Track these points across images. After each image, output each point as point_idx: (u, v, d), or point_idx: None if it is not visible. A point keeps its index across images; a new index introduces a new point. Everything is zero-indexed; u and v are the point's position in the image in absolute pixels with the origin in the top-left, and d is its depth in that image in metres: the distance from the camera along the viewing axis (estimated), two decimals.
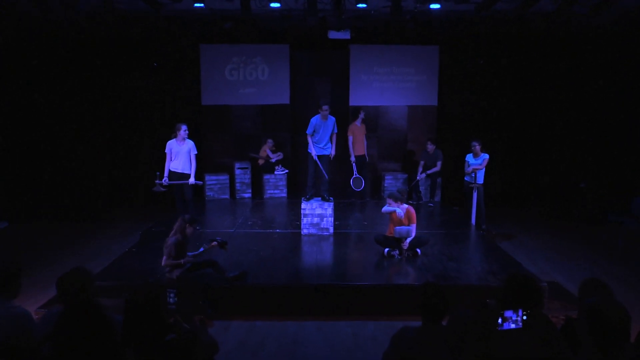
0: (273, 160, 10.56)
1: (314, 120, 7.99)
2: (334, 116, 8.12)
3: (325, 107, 7.95)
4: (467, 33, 10.45)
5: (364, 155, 10.17)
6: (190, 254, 5.57)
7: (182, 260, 5.46)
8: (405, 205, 6.75)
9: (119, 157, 11.12)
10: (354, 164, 9.88)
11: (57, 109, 10.65)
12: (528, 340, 2.89)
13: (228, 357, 4.75)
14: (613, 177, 10.69)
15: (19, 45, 10.19)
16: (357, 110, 10.47)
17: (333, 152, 8.19)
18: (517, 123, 11.18)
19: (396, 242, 6.73)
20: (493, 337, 2.91)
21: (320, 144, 8.05)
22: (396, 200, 6.71)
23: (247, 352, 4.87)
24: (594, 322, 2.58)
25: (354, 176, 9.75)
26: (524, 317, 2.91)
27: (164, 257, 5.46)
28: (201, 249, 5.65)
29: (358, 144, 10.06)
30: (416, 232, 6.83)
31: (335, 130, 8.11)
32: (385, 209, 6.75)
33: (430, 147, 10.02)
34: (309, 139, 8.03)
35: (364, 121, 10.23)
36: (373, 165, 11.09)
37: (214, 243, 5.69)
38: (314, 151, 7.99)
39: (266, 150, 10.63)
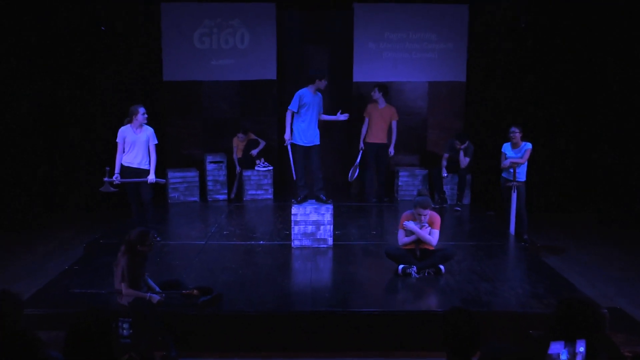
0: (254, 153, 10.52)
1: (302, 93, 7.98)
2: (332, 95, 8.13)
3: (324, 80, 8.00)
4: None
5: (384, 144, 10.22)
6: (157, 293, 5.60)
7: (147, 295, 5.51)
8: (428, 212, 6.76)
9: (56, 148, 11.06)
10: (360, 152, 10.10)
11: None
12: None
13: None
14: None
15: None
16: (365, 88, 10.50)
17: (339, 115, 8.26)
18: (569, 104, 11.17)
19: (414, 256, 6.73)
20: None
21: (308, 129, 8.00)
22: (426, 207, 6.65)
23: None
24: None
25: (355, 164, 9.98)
26: (581, 349, 2.91)
27: (119, 281, 5.49)
28: (175, 292, 5.76)
29: (376, 129, 10.21)
30: (439, 243, 6.83)
31: (322, 111, 8.19)
32: (411, 227, 6.72)
33: (459, 143, 10.02)
34: (288, 119, 8.00)
35: (386, 101, 10.36)
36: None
37: (195, 292, 5.78)
38: (290, 134, 7.97)
39: (241, 147, 10.61)
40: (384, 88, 10.34)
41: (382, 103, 10.26)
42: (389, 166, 10.64)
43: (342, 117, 8.31)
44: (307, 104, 7.95)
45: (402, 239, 6.80)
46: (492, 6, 10.95)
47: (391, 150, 10.33)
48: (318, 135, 8.14)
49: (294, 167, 8.12)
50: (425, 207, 6.64)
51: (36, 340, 2.70)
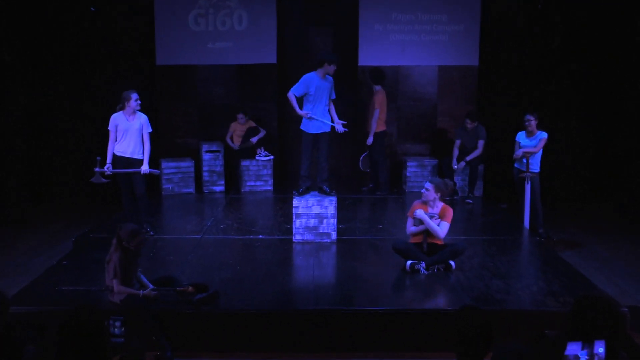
0: (254, 141, 10.51)
1: (310, 78, 7.86)
2: (336, 80, 8.09)
3: (334, 65, 7.85)
4: None
5: (375, 132, 10.23)
6: (150, 288, 5.63)
7: (140, 292, 5.54)
8: (441, 204, 6.77)
9: (43, 136, 11.08)
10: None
11: None
12: None
13: None
14: None
15: None
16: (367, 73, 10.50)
17: (340, 122, 8.00)
18: (587, 90, 11.13)
19: (422, 251, 6.74)
20: None
21: (314, 116, 7.93)
22: (438, 190, 6.70)
23: None
24: None
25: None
26: (600, 350, 2.91)
27: (110, 278, 5.52)
28: (169, 289, 5.76)
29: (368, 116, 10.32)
30: (449, 237, 6.84)
31: (333, 96, 8.08)
32: (420, 215, 6.72)
33: (470, 122, 10.01)
34: (293, 100, 7.84)
35: (382, 86, 10.34)
36: (390, 147, 11.09)
37: (190, 289, 5.77)
38: (301, 111, 7.86)
39: (239, 132, 10.59)
40: (374, 73, 10.32)
41: (375, 89, 10.24)
42: (384, 156, 10.45)
43: (339, 127, 7.97)
44: (316, 90, 7.82)
45: (410, 227, 6.81)
46: None
47: (368, 140, 10.14)
48: (328, 121, 7.97)
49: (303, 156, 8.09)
50: (432, 182, 6.70)
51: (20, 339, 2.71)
